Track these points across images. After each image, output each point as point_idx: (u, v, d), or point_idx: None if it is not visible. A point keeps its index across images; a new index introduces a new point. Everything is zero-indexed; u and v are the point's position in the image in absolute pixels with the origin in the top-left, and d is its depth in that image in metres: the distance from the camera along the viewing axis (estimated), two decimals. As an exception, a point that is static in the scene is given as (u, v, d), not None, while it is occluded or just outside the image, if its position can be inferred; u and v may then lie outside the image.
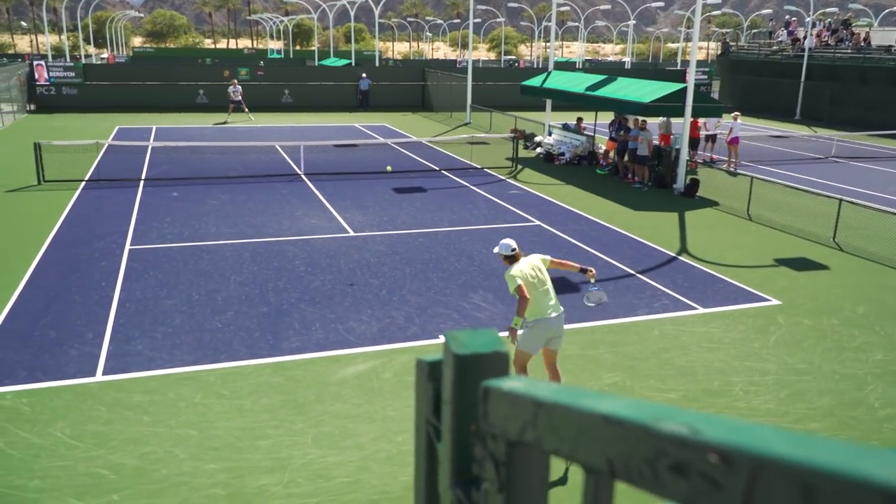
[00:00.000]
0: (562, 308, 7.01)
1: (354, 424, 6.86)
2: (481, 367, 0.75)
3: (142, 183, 17.76)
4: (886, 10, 60.89)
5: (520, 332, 6.88)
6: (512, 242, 7.02)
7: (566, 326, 9.33)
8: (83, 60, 55.05)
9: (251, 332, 8.90)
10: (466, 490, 0.76)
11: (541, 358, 7.17)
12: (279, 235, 13.29)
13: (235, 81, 33.18)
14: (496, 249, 7.15)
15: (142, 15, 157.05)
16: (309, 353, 8.36)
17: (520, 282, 6.72)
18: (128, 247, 12.35)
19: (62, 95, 34.57)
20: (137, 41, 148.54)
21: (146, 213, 14.69)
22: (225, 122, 31.21)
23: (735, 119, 21.83)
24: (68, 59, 52.32)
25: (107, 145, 20.50)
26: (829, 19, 45.43)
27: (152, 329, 8.89)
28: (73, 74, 34.90)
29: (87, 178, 17.99)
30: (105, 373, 7.72)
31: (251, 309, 9.62)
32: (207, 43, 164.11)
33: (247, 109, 32.36)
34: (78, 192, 16.55)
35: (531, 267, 6.92)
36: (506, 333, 7.03)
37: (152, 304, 9.72)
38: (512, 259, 6.96)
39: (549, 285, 6.95)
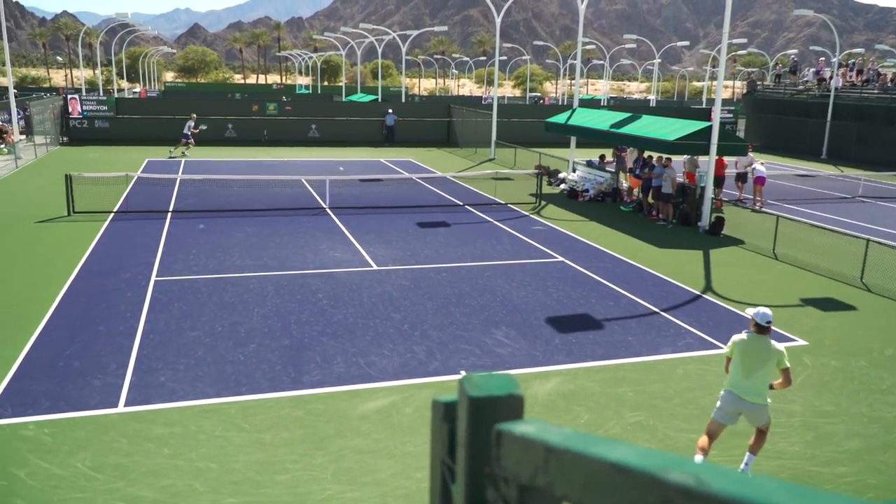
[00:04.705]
0: (758, 399, 6.61)
1: (374, 460, 6.81)
2: (496, 410, 0.75)
3: (169, 215, 18.04)
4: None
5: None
6: (769, 314, 6.77)
7: (592, 364, 9.26)
8: (116, 94, 56.37)
9: (273, 364, 8.92)
10: None
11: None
12: (303, 268, 13.38)
13: (193, 115, 31.15)
14: (750, 312, 6.89)
15: (174, 51, 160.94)
16: (330, 387, 8.34)
17: (727, 352, 6.96)
18: (153, 278, 12.50)
19: (94, 128, 35.40)
20: (170, 76, 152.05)
21: (173, 245, 14.89)
22: (174, 156, 29.96)
23: (749, 155, 21.48)
24: (101, 93, 53.68)
25: (136, 177, 20.88)
26: (853, 60, 45.30)
27: (175, 360, 8.95)
28: (105, 108, 35.78)
29: (115, 209, 18.32)
30: (127, 404, 7.77)
31: (273, 342, 9.66)
32: (237, 78, 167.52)
33: (191, 143, 30.32)
34: (106, 223, 16.84)
35: (759, 349, 6.67)
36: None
37: (176, 335, 9.80)
38: (761, 329, 6.72)
39: (759, 373, 6.60)
